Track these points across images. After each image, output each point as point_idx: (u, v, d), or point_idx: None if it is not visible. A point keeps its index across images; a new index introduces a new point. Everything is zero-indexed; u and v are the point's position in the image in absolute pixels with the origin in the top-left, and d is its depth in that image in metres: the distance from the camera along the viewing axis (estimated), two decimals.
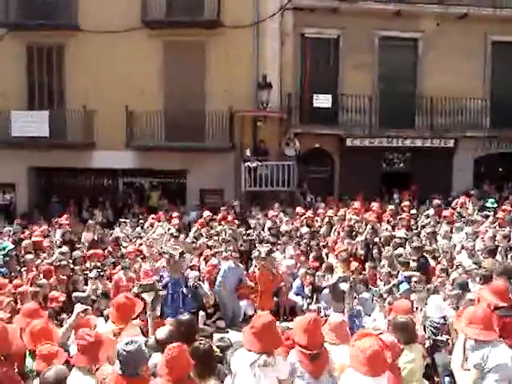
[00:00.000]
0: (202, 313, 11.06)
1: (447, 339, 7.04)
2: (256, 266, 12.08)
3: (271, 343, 5.60)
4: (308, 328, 5.85)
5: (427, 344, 7.71)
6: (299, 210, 17.22)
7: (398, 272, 11.17)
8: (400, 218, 15.22)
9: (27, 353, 6.15)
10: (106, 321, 8.02)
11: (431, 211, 16.34)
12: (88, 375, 5.44)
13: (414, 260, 11.69)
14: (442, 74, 21.74)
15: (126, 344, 5.11)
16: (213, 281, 12.16)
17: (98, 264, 12.45)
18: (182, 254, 10.20)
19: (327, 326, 6.31)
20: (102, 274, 11.47)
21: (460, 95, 22.08)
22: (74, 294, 10.54)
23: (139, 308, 7.27)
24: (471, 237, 13.28)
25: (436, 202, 17.61)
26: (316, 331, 5.93)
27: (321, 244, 14.10)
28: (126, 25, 20.90)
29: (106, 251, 13.78)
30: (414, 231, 14.61)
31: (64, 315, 8.48)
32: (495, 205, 16.95)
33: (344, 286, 8.95)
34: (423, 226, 15.16)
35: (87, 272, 11.72)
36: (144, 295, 7.99)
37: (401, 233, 13.67)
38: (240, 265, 12.52)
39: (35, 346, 6.02)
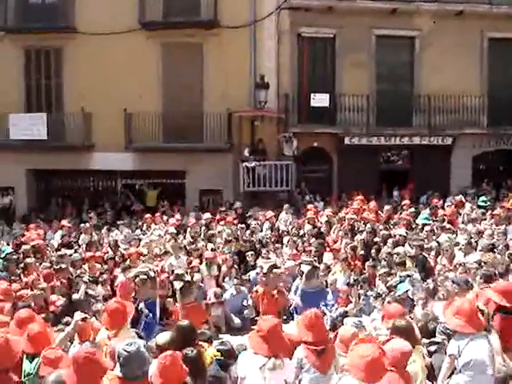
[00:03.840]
0: None
1: (443, 339, 7.08)
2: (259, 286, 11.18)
3: (278, 346, 5.67)
4: (311, 324, 5.98)
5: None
6: (310, 206, 17.28)
7: (396, 272, 11.20)
8: (400, 218, 15.21)
9: (24, 357, 6.16)
10: None
11: (427, 211, 16.33)
12: None
13: (410, 257, 11.75)
14: (439, 72, 21.76)
15: (127, 345, 5.09)
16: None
17: (98, 266, 12.54)
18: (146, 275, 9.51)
19: (338, 337, 6.33)
20: (94, 279, 11.49)
21: (457, 93, 22.06)
22: (72, 297, 10.61)
23: (132, 312, 7.27)
24: (475, 236, 13.29)
25: (434, 200, 17.71)
26: (319, 326, 6.08)
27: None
28: (124, 27, 20.89)
29: (102, 253, 13.82)
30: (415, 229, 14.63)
31: (68, 318, 8.46)
32: (488, 203, 16.99)
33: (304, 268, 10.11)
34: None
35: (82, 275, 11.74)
36: (175, 283, 9.14)
37: (401, 231, 13.69)
38: (242, 288, 12.39)
39: (33, 349, 6.04)
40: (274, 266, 11.10)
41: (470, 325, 6.03)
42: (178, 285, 9.03)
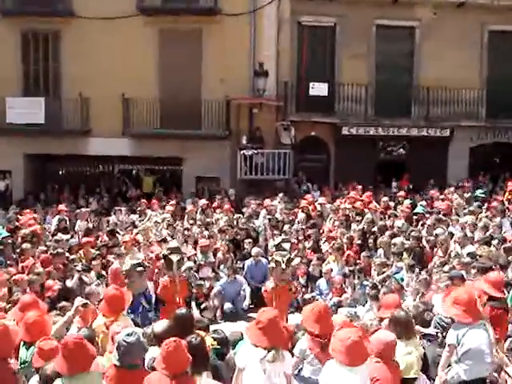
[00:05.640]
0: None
1: (436, 333, 7.16)
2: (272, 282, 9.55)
3: (278, 338, 5.65)
4: (320, 317, 5.99)
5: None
6: (308, 196, 17.29)
7: (393, 262, 11.24)
8: (401, 210, 15.14)
9: (21, 344, 6.16)
10: None
11: (423, 203, 16.31)
12: None
13: (407, 249, 11.76)
14: (439, 63, 21.71)
15: (127, 335, 5.08)
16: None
17: (93, 251, 12.46)
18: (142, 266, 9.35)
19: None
20: (87, 267, 11.42)
21: (456, 85, 22.01)
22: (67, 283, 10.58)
23: (129, 299, 7.27)
24: (470, 228, 13.30)
25: (431, 192, 17.73)
26: (327, 320, 6.10)
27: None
28: (122, 12, 20.72)
29: (99, 239, 13.76)
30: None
31: (63, 302, 8.43)
32: (484, 195, 16.98)
33: (286, 246, 10.18)
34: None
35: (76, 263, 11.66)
36: (172, 256, 9.26)
37: (399, 223, 13.69)
38: (238, 277, 12.25)
39: (30, 338, 6.04)
40: (290, 259, 10.06)
41: (469, 314, 6.12)
42: (175, 257, 9.29)
